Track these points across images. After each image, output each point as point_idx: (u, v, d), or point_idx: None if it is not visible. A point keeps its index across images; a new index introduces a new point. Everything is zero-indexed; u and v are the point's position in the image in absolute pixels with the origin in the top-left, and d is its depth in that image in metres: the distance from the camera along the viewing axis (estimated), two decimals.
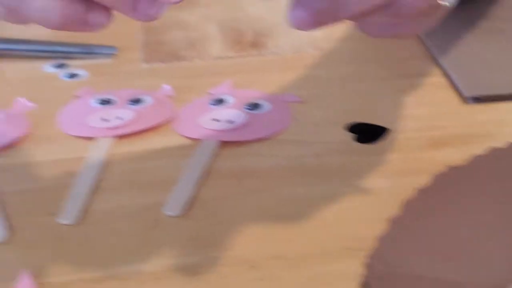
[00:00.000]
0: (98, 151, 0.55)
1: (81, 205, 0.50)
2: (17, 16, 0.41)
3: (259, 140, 0.56)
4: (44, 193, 0.52)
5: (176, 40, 0.72)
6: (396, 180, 0.51)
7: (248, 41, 0.71)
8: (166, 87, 0.63)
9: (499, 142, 0.52)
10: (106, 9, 0.42)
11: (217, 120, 0.58)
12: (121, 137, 0.57)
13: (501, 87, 0.59)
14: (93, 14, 0.41)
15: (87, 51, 0.69)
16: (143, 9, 0.41)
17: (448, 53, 0.65)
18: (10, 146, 0.57)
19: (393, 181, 0.51)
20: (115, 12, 0.42)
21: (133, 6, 0.41)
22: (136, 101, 0.61)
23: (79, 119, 0.59)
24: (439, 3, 0.44)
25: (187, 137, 0.57)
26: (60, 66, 0.68)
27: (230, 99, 0.61)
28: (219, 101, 0.61)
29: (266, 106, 0.60)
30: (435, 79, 0.62)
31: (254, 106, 0.60)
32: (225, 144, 0.56)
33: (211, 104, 0.61)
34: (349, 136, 0.56)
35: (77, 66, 0.68)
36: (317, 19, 0.42)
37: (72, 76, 0.67)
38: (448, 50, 0.65)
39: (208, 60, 0.68)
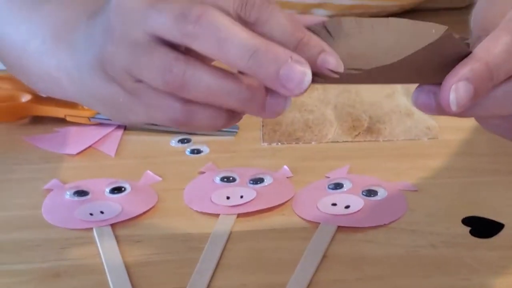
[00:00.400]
0: (222, 228, 0.58)
1: (206, 281, 0.53)
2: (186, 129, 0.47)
3: (375, 227, 0.58)
4: (169, 266, 0.55)
5: (294, 121, 0.74)
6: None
7: (364, 126, 0.73)
8: (286, 168, 0.66)
9: None
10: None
11: (335, 205, 0.61)
12: (242, 215, 0.60)
13: None
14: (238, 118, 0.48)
15: None
16: (270, 108, 0.45)
17: None
18: (138, 217, 0.60)
19: (509, 279, 0.52)
20: None
21: (262, 108, 0.45)
22: (257, 181, 0.64)
23: (204, 195, 0.63)
24: None
25: (305, 220, 0.60)
26: (185, 141, 0.72)
27: (347, 184, 0.63)
28: (337, 186, 0.63)
29: (382, 193, 0.62)
30: None
31: (370, 192, 0.62)
32: (341, 228, 0.58)
33: (329, 188, 0.63)
34: (465, 229, 0.57)
35: (200, 142, 0.71)
36: (440, 110, 0.45)
37: (196, 152, 0.70)
38: None
39: (325, 143, 0.71)
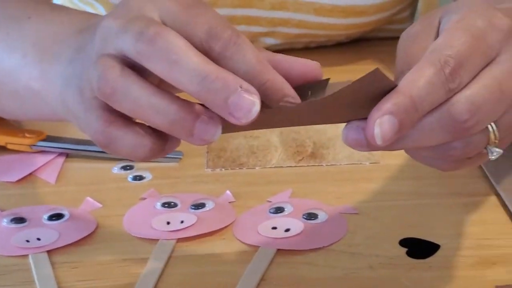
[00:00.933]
0: (160, 253, 0.58)
1: None
2: (110, 152, 0.47)
3: (314, 249, 0.58)
4: None
5: (238, 148, 0.75)
6: None
7: (307, 152, 0.73)
8: (228, 193, 0.66)
9: None
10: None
11: (275, 228, 0.61)
12: (183, 240, 0.60)
13: None
14: (168, 144, 0.47)
15: None
16: (199, 134, 0.45)
17: (502, 175, 0.66)
18: (76, 244, 0.60)
19: None
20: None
21: (190, 132, 0.45)
22: (198, 206, 0.64)
23: (144, 221, 0.62)
24: (486, 155, 0.48)
25: (245, 243, 0.59)
26: (127, 168, 0.71)
27: (288, 208, 0.63)
28: (278, 210, 0.63)
29: (323, 216, 0.62)
30: (488, 199, 0.64)
31: (311, 216, 0.62)
32: (281, 251, 0.58)
33: (270, 212, 0.63)
34: (402, 250, 0.57)
35: (143, 168, 0.71)
36: (370, 145, 0.45)
37: (138, 178, 0.70)
38: (502, 172, 0.67)
39: (268, 168, 0.71)
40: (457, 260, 0.56)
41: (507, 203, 0.62)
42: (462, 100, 0.45)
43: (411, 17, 1.07)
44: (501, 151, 0.48)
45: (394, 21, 1.03)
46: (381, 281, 0.54)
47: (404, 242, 0.58)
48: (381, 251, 0.57)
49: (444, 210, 0.63)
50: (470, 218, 0.61)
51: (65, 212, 0.63)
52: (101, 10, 0.96)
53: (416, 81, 0.44)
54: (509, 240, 0.58)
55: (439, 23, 0.50)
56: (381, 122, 0.44)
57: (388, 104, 0.44)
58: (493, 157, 0.48)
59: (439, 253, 0.57)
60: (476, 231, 0.59)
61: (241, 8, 0.95)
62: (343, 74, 0.90)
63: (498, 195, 0.64)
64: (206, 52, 0.45)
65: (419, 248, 0.57)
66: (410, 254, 0.57)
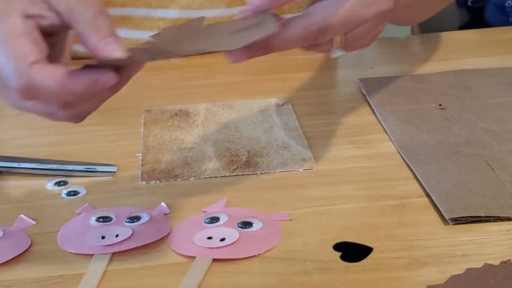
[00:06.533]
0: (96, 268, 0.58)
1: None
2: None
3: (249, 258, 0.58)
4: None
5: (173, 160, 0.75)
6: None
7: (242, 160, 0.74)
8: (163, 205, 0.66)
9: (476, 263, 0.55)
10: None
11: (211, 238, 0.61)
12: (118, 254, 0.60)
13: (479, 210, 0.62)
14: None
15: (88, 169, 0.72)
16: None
17: (431, 176, 0.67)
18: (9, 262, 0.59)
19: None
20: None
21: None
22: (133, 219, 0.64)
23: (78, 236, 0.62)
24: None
25: (181, 254, 0.59)
26: (61, 183, 0.71)
27: (223, 217, 0.64)
28: (213, 219, 0.63)
29: (257, 224, 0.62)
30: (419, 201, 0.65)
31: (245, 224, 0.62)
32: (217, 261, 0.58)
33: (205, 222, 0.63)
34: (336, 254, 0.58)
35: (77, 183, 0.71)
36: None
37: (72, 194, 0.69)
38: (431, 174, 0.68)
39: (203, 179, 0.71)
40: (389, 261, 0.57)
41: (437, 204, 0.63)
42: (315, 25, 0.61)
43: None
44: (341, 53, 0.64)
45: None
46: (316, 286, 0.55)
47: (338, 246, 0.59)
48: (315, 256, 0.58)
49: (375, 213, 0.64)
50: (401, 220, 0.62)
51: None
52: None
53: None
54: (439, 241, 0.59)
55: None
56: None
57: None
58: (333, 55, 0.64)
59: (372, 255, 0.58)
60: (407, 233, 0.61)
61: None
62: None
63: (428, 196, 0.65)
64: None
65: (352, 252, 0.58)
66: (344, 257, 0.58)
